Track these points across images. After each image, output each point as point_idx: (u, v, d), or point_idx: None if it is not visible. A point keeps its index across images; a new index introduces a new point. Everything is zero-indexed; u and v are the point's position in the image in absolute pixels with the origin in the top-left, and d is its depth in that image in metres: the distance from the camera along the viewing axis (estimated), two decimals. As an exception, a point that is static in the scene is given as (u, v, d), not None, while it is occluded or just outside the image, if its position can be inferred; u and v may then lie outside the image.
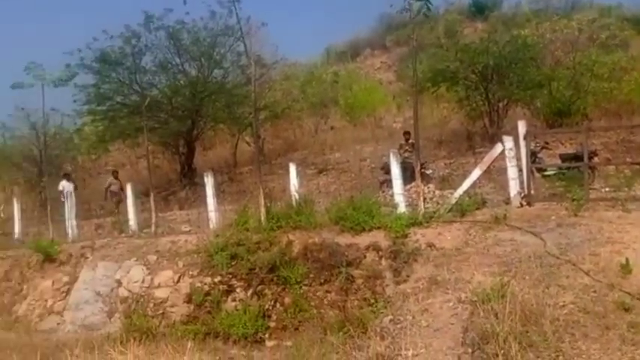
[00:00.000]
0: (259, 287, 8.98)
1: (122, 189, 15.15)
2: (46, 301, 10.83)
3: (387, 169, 11.62)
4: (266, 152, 20.08)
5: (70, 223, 13.76)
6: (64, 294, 10.75)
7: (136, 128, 18.65)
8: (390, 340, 6.57)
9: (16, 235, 15.14)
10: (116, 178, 16.65)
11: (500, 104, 17.27)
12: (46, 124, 19.43)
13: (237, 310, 8.78)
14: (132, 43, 17.51)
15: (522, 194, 9.58)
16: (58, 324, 10.28)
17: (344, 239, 8.99)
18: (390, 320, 7.08)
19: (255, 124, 13.59)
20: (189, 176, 19.09)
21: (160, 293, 9.65)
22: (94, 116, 20.37)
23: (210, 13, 18.05)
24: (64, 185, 15.73)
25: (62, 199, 15.63)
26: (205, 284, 9.36)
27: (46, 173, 17.44)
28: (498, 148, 9.71)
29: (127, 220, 13.44)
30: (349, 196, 10.54)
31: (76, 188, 16.28)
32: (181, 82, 19.61)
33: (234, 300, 9.11)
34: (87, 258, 11.31)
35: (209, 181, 12.10)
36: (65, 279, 11.00)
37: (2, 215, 18.89)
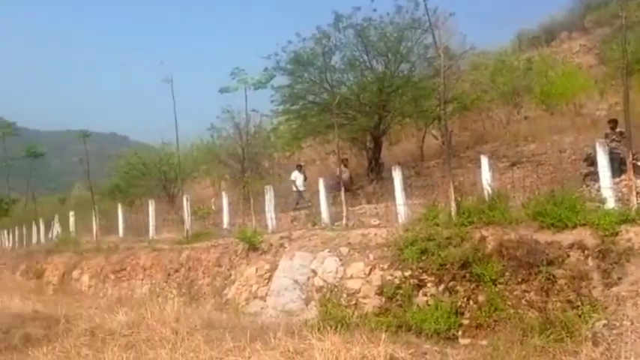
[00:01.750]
0: (451, 283, 8.81)
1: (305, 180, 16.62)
2: (251, 286, 11.83)
3: (590, 161, 10.61)
4: (454, 145, 19.57)
5: (270, 215, 14.81)
6: (266, 280, 11.64)
7: (326, 125, 19.47)
8: (605, 346, 6.00)
9: (224, 226, 16.77)
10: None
11: None
12: (248, 124, 21.27)
13: (428, 305, 8.73)
14: (322, 44, 18.30)
15: None
16: (262, 308, 11.17)
17: (543, 236, 8.38)
18: (604, 325, 6.46)
19: (444, 116, 13.34)
20: (377, 171, 19.38)
21: (352, 284, 9.96)
22: (288, 115, 21.73)
23: (397, 7, 18.22)
24: (296, 176, 17.57)
25: (294, 189, 17.66)
26: (396, 277, 9.43)
27: (248, 170, 19.10)
28: None
29: (319, 213, 14.09)
30: (548, 190, 9.81)
31: (305, 179, 17.96)
32: (368, 78, 19.95)
33: (425, 295, 9.06)
34: (285, 248, 12.09)
35: (397, 175, 12.16)
36: (267, 267, 11.90)
37: (213, 207, 21.10)
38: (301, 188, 18.18)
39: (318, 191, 14.33)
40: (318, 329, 7.73)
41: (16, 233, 33.46)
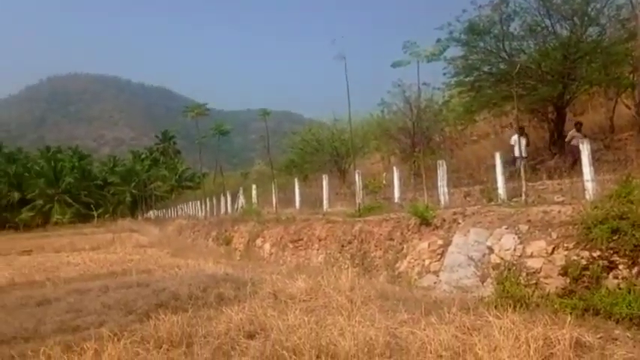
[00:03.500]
0: (646, 266, 7.93)
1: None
2: (423, 260, 11.79)
3: None
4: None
5: (442, 190, 14.56)
6: (438, 256, 11.51)
7: (502, 97, 18.55)
8: None
9: (395, 200, 16.88)
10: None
11: None
12: (419, 98, 21.05)
13: (619, 288, 7.96)
14: (500, 10, 17.34)
15: None
16: (435, 283, 11.09)
17: None
18: None
19: (639, 84, 11.94)
20: (559, 144, 18.04)
21: (532, 263, 9.43)
22: (461, 88, 21.07)
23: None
24: (516, 140, 16.05)
25: (512, 155, 16.29)
26: (582, 258, 8.72)
27: (418, 144, 18.93)
28: None
29: (494, 189, 13.54)
30: None
31: (528, 144, 16.92)
32: (551, 44, 18.55)
33: (616, 277, 8.27)
34: (459, 224, 11.81)
35: (584, 149, 11.18)
36: (439, 242, 11.75)
37: (384, 182, 21.34)
38: (524, 154, 15.56)
39: (493, 165, 13.79)
40: (495, 307, 7.49)
41: (207, 204, 37.08)
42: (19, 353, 6.26)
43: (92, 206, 79.67)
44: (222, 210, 32.86)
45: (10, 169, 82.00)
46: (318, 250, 16.21)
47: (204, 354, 5.99)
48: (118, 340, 5.98)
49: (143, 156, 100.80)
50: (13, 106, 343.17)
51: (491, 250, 10.42)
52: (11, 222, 75.63)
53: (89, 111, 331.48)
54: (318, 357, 5.69)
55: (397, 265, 12.65)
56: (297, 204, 22.03)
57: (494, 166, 13.80)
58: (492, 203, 12.92)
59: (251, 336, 6.78)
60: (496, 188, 13.38)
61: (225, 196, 32.99)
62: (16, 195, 78.37)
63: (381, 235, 13.88)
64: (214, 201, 35.46)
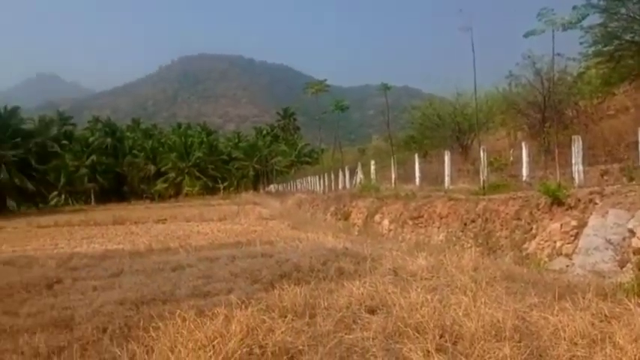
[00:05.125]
0: None
1: None
2: (555, 242, 11.08)
3: None
4: None
5: (577, 168, 13.56)
6: (572, 237, 10.75)
7: (646, 67, 16.83)
8: None
9: (523, 178, 16.01)
10: None
11: None
12: (551, 70, 19.65)
13: None
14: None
15: None
16: (567, 266, 10.38)
17: None
18: None
19: None
20: None
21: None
22: (599, 58, 19.47)
23: None
24: None
25: None
26: None
27: (549, 119, 17.73)
28: None
29: (637, 167, 12.38)
30: None
31: None
32: None
33: None
34: (596, 204, 10.93)
35: None
36: (573, 223, 10.96)
37: (511, 159, 20.34)
38: None
39: (635, 142, 12.59)
40: (636, 294, 6.86)
41: (325, 179, 37.68)
42: (158, 314, 6.71)
43: (218, 179, 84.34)
44: (341, 185, 33.22)
45: (146, 144, 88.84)
46: (439, 227, 15.85)
47: (327, 325, 6.04)
48: (246, 307, 6.19)
49: (265, 132, 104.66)
50: (149, 85, 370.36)
51: (632, 233, 9.54)
52: (147, 193, 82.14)
53: (216, 89, 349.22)
54: (441, 336, 5.53)
55: (525, 245, 12.02)
56: (417, 180, 21.66)
57: (636, 142, 12.61)
58: (634, 183, 11.82)
59: (372, 311, 6.75)
60: (638, 167, 12.21)
61: (343, 171, 33.29)
62: (152, 168, 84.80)
63: (507, 214, 13.25)
64: (332, 176, 35.93)
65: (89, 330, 6.47)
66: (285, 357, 5.05)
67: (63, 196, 73.35)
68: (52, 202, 68.27)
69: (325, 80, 42.89)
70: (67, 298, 8.57)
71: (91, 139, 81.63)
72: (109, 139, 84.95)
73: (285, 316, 6.15)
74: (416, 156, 22.76)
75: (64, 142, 69.10)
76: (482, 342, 5.16)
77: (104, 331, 6.47)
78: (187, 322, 5.69)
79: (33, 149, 52.56)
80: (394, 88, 41.87)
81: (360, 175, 30.16)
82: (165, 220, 29.70)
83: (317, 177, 42.50)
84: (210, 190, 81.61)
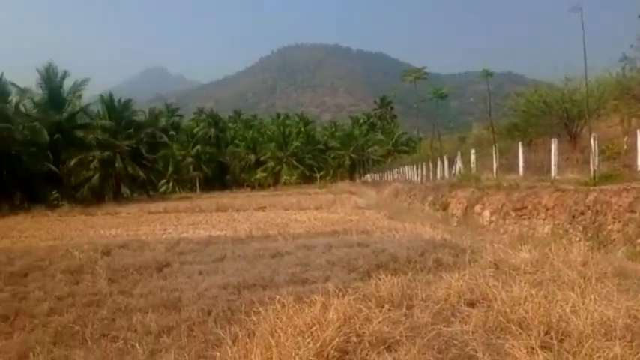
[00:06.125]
0: None
1: None
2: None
3: None
4: None
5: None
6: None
7: None
8: None
9: (638, 168, 14.90)
10: None
11: None
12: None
13: None
14: None
15: None
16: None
17: None
18: None
19: None
20: None
21: None
22: None
23: None
24: None
25: None
26: None
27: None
28: None
29: None
30: None
31: None
32: None
33: None
34: None
35: None
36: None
37: (625, 147, 18.97)
38: None
39: None
40: None
41: (423, 168, 37.10)
42: (258, 299, 6.94)
43: (315, 169, 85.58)
44: (439, 175, 32.57)
45: (247, 134, 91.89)
46: (544, 219, 15.10)
47: (425, 317, 5.96)
48: (343, 295, 6.24)
49: (361, 121, 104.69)
50: (249, 76, 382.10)
51: None
52: (248, 181, 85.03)
53: (313, 79, 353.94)
54: (546, 333, 5.28)
55: (639, 240, 11.18)
56: (521, 170, 20.77)
57: None
58: None
59: (472, 304, 6.57)
60: None
61: (441, 160, 32.61)
62: (252, 157, 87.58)
63: (620, 206, 12.38)
64: (430, 165, 35.30)
65: (195, 312, 6.82)
66: (382, 346, 5.04)
67: (171, 184, 77.54)
68: (161, 190, 72.45)
69: (424, 68, 42.06)
70: (174, 280, 9.08)
71: (195, 130, 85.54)
72: (212, 130, 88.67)
73: (382, 306, 6.14)
74: (519, 144, 21.81)
75: (172, 132, 72.88)
76: (590, 340, 4.87)
77: (209, 313, 6.79)
78: (286, 308, 5.83)
79: (144, 139, 55.94)
80: (496, 74, 40.29)
81: (459, 165, 29.40)
82: (265, 208, 30.55)
83: (414, 166, 41.96)
84: (307, 179, 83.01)
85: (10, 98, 42.80)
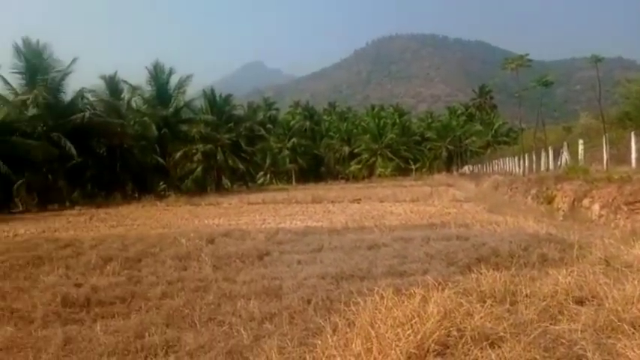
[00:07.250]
0: None
1: None
2: None
3: None
4: None
5: None
6: None
7: None
8: None
9: None
10: None
11: None
12: None
13: None
14: None
15: None
16: None
17: None
18: None
19: None
20: None
21: None
22: None
23: None
24: None
25: None
26: None
27: None
28: None
29: None
30: None
31: None
32: None
33: None
34: None
35: None
36: None
37: None
38: None
39: None
40: None
41: (526, 160, 35.56)
42: (357, 290, 6.98)
43: (410, 160, 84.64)
44: (543, 166, 31.09)
45: (341, 126, 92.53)
46: (660, 214, 14.01)
47: (529, 314, 5.74)
48: (442, 289, 6.13)
49: (459, 112, 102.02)
50: (344, 68, 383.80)
51: None
52: (342, 173, 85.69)
53: (408, 70, 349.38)
54: (666, 336, 4.92)
55: None
56: (633, 162, 19.38)
57: None
58: None
59: (580, 302, 6.25)
60: None
61: (546, 151, 31.09)
62: (346, 149, 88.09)
63: None
64: (534, 157, 33.77)
65: (295, 300, 6.98)
66: (485, 342, 4.91)
67: (268, 176, 79.76)
68: (259, 181, 74.74)
69: (527, 55, 40.16)
70: (275, 269, 9.34)
71: (291, 123, 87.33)
72: (307, 123, 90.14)
73: (484, 301, 5.97)
74: (632, 134, 20.35)
75: (269, 125, 75.01)
76: None
77: (308, 302, 6.92)
78: (385, 300, 5.82)
79: (243, 133, 58.00)
80: (605, 60, 37.78)
81: (565, 156, 27.89)
82: (360, 199, 30.60)
83: (515, 158, 40.31)
84: (402, 171, 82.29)
85: (122, 95, 45.89)
